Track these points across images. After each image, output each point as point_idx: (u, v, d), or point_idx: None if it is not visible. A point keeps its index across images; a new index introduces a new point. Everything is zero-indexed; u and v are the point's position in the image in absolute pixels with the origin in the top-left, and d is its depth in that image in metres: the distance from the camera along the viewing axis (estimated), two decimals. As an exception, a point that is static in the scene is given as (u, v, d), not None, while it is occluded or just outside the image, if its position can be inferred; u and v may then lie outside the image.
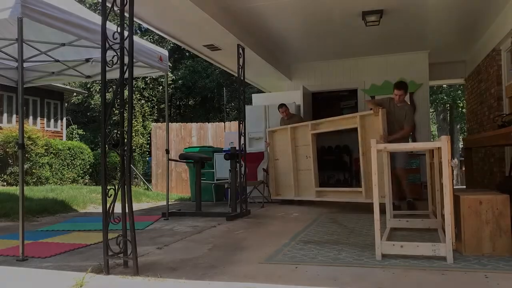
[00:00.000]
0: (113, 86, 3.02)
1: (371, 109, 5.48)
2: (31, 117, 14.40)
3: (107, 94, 2.99)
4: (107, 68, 2.94)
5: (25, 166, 10.29)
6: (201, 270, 2.86)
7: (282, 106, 7.21)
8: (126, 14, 3.02)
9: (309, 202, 6.54)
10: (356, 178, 8.29)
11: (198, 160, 6.15)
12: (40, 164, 10.81)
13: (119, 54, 2.89)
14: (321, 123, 6.27)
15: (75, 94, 17.25)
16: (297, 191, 6.70)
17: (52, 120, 15.53)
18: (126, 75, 2.89)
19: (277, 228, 4.57)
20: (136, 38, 4.93)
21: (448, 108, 19.05)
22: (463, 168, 9.00)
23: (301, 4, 5.56)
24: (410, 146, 3.47)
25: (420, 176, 7.28)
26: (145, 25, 5.76)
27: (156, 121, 16.30)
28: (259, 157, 7.42)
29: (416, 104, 7.91)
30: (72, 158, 11.94)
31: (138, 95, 16.92)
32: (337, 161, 9.02)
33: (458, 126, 19.98)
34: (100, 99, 13.89)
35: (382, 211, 3.31)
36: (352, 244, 3.57)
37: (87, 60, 5.74)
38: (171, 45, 18.95)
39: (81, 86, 19.26)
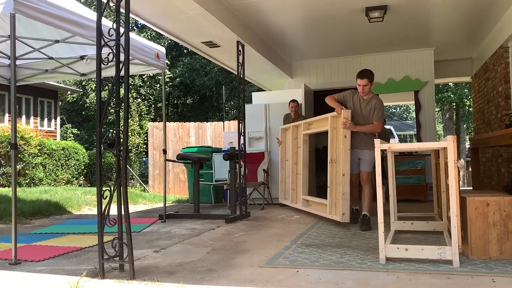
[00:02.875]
0: (109, 84, 3.01)
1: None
2: (24, 116, 14.40)
3: (102, 92, 2.98)
4: (103, 66, 2.94)
5: (18, 167, 10.29)
6: (199, 274, 2.86)
7: (294, 101, 6.87)
8: (122, 10, 3.01)
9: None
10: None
11: (197, 161, 6.15)
12: (33, 164, 10.81)
13: (115, 51, 2.89)
14: (313, 123, 5.84)
15: (69, 92, 17.25)
16: (294, 196, 6.25)
17: (45, 119, 15.53)
18: (122, 73, 2.89)
19: (278, 231, 4.57)
20: (132, 35, 4.95)
21: (454, 107, 19.04)
22: (470, 169, 9.01)
23: (303, -1, 5.56)
24: (414, 146, 3.47)
25: (425, 177, 7.28)
26: (141, 22, 5.76)
27: (153, 120, 16.29)
28: (259, 158, 7.43)
29: (422, 103, 7.91)
30: (66, 158, 11.94)
31: (135, 93, 16.89)
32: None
33: (464, 126, 19.97)
34: (95, 98, 13.88)
35: (386, 213, 3.31)
36: (355, 247, 3.57)
37: (82, 58, 5.74)
38: (169, 42, 18.95)
39: (76, 84, 19.26)
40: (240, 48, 5.93)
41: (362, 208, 4.69)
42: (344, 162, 4.59)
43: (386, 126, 17.40)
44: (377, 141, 3.17)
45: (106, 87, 2.98)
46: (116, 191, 2.82)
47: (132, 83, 17.70)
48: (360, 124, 4.67)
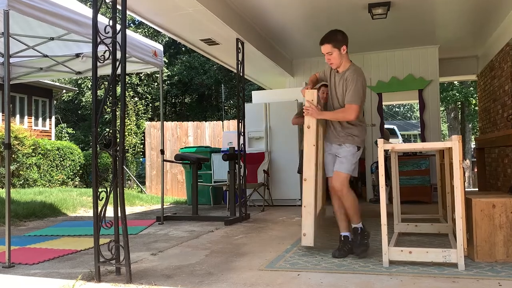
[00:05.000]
0: (105, 83, 3.02)
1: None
2: (18, 116, 14.40)
3: (98, 91, 2.99)
4: (99, 64, 2.94)
5: (12, 167, 10.29)
6: (197, 278, 2.86)
7: (326, 86, 5.62)
8: (119, 7, 3.01)
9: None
10: (362, 180, 8.30)
11: (195, 161, 6.15)
12: (28, 165, 10.81)
13: (111, 48, 2.89)
14: None
15: (64, 91, 17.24)
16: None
17: (40, 119, 15.52)
18: (119, 71, 2.89)
19: (278, 233, 4.57)
20: (129, 32, 4.94)
21: (460, 106, 19.05)
22: (475, 170, 9.01)
23: (304, -5, 5.56)
24: (419, 146, 3.46)
25: (429, 178, 7.28)
26: (138, 18, 5.76)
27: (151, 119, 16.30)
28: (260, 158, 7.43)
29: (426, 102, 7.91)
30: (61, 159, 11.93)
31: (132, 92, 16.91)
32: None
33: (470, 125, 19.98)
34: (91, 96, 13.86)
35: (389, 214, 3.31)
36: (358, 250, 3.57)
37: (77, 55, 5.74)
38: (166, 39, 18.96)
39: (71, 83, 19.27)
40: (240, 45, 5.93)
41: (351, 223, 3.48)
42: (307, 162, 3.44)
43: (389, 126, 17.14)
44: (380, 141, 3.17)
45: (102, 86, 2.98)
46: (112, 192, 2.82)
47: (129, 82, 17.71)
48: (335, 108, 3.49)
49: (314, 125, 3.41)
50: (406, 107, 35.61)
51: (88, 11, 4.19)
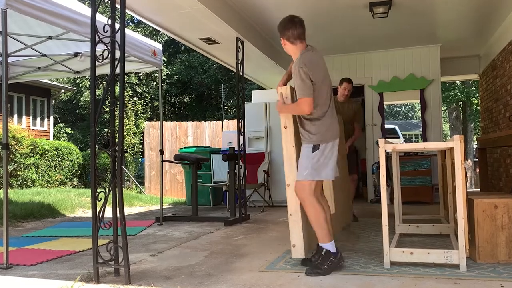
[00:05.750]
0: (104, 82, 3.01)
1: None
2: (15, 115, 14.40)
3: (97, 90, 2.99)
4: (97, 63, 2.94)
5: (10, 168, 10.29)
6: (197, 279, 2.86)
7: (350, 82, 5.22)
8: (118, 5, 3.01)
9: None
10: (363, 180, 8.31)
11: (194, 161, 6.15)
12: (26, 165, 10.81)
13: (109, 48, 2.89)
14: None
15: (63, 90, 17.24)
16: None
17: (38, 119, 15.52)
18: (118, 71, 2.89)
19: (279, 234, 4.57)
20: (128, 31, 4.95)
21: (461, 105, 19.05)
22: (477, 170, 9.02)
23: (304, -6, 5.56)
24: (420, 146, 3.46)
25: (431, 178, 7.28)
26: (137, 17, 5.76)
27: (150, 119, 16.29)
28: (260, 158, 7.43)
29: (427, 101, 7.91)
30: (59, 159, 11.93)
31: (130, 91, 16.90)
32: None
33: (472, 125, 19.97)
34: (89, 96, 13.84)
35: (391, 215, 3.31)
36: (359, 251, 3.57)
37: (76, 55, 5.74)
38: (166, 38, 18.96)
39: (70, 82, 19.27)
40: (240, 44, 5.93)
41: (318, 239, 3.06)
42: (287, 166, 3.18)
43: (391, 126, 17.09)
44: (381, 141, 3.16)
45: (101, 85, 2.97)
46: (111, 192, 2.82)
47: (127, 81, 17.71)
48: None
49: (291, 125, 3.16)
50: (407, 107, 35.60)
51: (86, 10, 4.20)
